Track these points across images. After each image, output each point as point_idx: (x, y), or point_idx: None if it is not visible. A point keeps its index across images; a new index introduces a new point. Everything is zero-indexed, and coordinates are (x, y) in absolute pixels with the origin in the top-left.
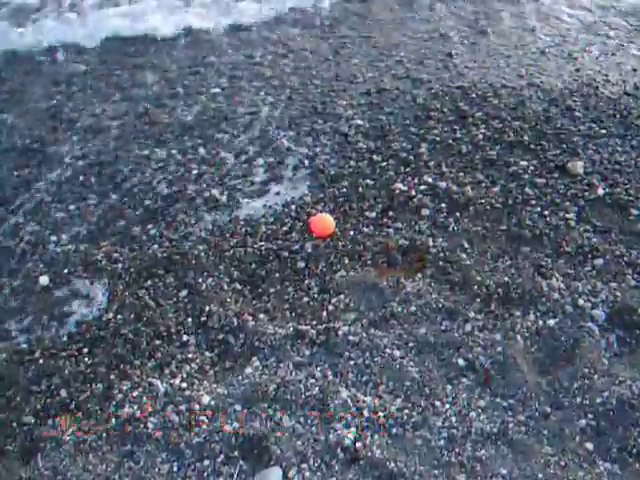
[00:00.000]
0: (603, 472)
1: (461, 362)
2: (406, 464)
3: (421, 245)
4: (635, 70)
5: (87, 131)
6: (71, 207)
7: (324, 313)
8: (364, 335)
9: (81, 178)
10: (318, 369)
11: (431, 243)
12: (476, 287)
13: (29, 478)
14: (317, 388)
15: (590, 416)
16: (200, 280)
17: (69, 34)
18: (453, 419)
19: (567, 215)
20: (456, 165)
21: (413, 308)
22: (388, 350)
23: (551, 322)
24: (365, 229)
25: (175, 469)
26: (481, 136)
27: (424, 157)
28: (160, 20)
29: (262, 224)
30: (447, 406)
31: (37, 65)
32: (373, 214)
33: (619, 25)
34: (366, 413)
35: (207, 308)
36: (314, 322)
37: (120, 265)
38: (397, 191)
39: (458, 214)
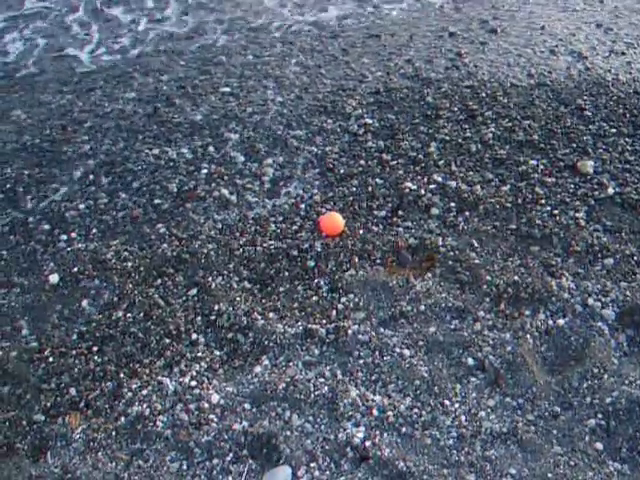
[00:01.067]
0: (613, 472)
1: (470, 361)
2: (415, 463)
3: (431, 244)
4: None
5: (97, 130)
6: (81, 206)
7: (334, 312)
8: (373, 334)
9: (91, 177)
10: (327, 368)
11: (441, 242)
12: (486, 286)
13: (39, 476)
14: (326, 387)
15: (600, 416)
16: (210, 279)
17: None
18: (462, 418)
19: (577, 214)
20: (466, 164)
21: (422, 307)
22: (397, 349)
23: (561, 321)
24: (374, 228)
25: (184, 467)
26: (491, 135)
27: (434, 156)
28: None
29: (271, 223)
30: (456, 405)
31: None
32: (382, 213)
33: (629, 24)
34: (375, 412)
35: (216, 307)
36: (323, 321)
37: (130, 264)
38: (407, 190)
39: (468, 213)
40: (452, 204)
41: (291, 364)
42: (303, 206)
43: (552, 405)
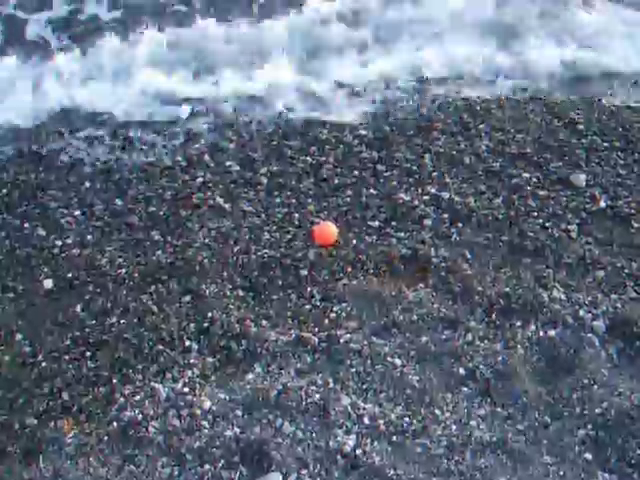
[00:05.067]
0: None
1: (462, 371)
2: (405, 471)
3: (423, 255)
4: (636, 82)
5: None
6: (77, 212)
7: (326, 321)
8: (365, 343)
9: (87, 184)
10: (319, 376)
11: (433, 253)
12: (477, 297)
13: (30, 479)
14: (318, 395)
15: (589, 426)
16: (203, 286)
17: None
18: (453, 427)
19: (569, 227)
20: (459, 176)
21: (414, 317)
22: (389, 358)
23: (552, 333)
24: (368, 238)
25: (176, 473)
26: (484, 148)
27: (427, 168)
28: None
29: (265, 232)
30: (447, 414)
31: None
32: (376, 223)
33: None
34: (366, 420)
35: (210, 314)
36: (316, 329)
37: (124, 270)
38: (400, 201)
39: (460, 225)
40: (445, 215)
41: (283, 372)
42: (297, 215)
43: (542, 415)
